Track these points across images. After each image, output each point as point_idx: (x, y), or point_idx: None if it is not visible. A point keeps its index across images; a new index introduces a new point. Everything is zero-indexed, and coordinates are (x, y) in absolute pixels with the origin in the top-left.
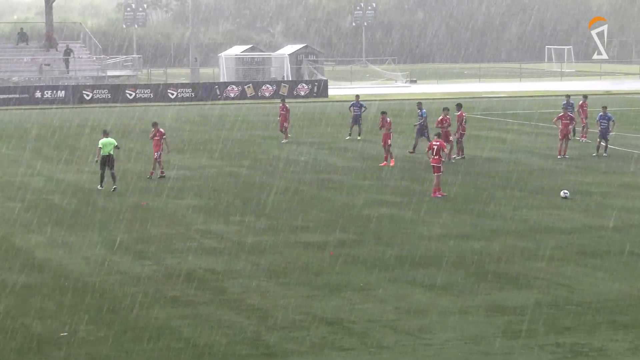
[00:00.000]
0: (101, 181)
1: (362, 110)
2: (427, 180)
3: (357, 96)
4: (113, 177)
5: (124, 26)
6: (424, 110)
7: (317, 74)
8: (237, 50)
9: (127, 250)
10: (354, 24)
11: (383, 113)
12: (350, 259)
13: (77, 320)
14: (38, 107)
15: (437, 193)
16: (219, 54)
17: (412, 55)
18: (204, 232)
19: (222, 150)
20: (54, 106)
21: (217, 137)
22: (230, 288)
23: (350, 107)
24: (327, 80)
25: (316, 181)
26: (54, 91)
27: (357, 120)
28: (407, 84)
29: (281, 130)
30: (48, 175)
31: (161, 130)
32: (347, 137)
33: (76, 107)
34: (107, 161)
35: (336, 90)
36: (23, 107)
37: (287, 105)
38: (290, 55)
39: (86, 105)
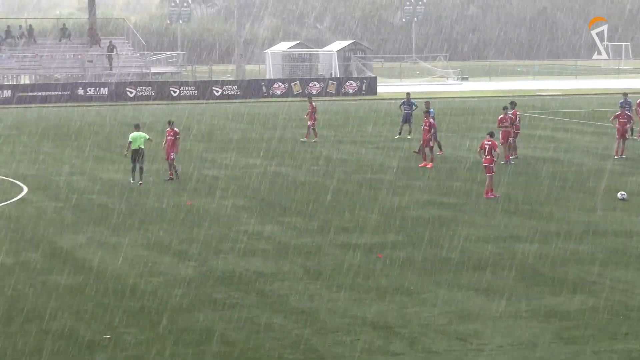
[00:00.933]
0: (132, 174)
1: (413, 109)
2: (479, 181)
3: (408, 94)
4: (141, 171)
5: (168, 22)
6: (432, 110)
7: (366, 71)
8: (283, 46)
9: (171, 251)
10: (403, 20)
11: (426, 113)
12: (400, 262)
13: (120, 322)
14: (80, 104)
15: (489, 194)
16: (265, 50)
17: (464, 51)
18: (249, 233)
19: (268, 149)
20: (97, 103)
21: (262, 135)
22: (276, 290)
23: (400, 105)
24: (376, 77)
25: (364, 181)
26: (97, 88)
27: (407, 118)
28: (458, 82)
29: (311, 129)
30: (91, 174)
31: (176, 129)
32: (397, 136)
33: (119, 105)
34: (137, 155)
35: (385, 87)
36: (65, 104)
37: (314, 104)
38: (338, 51)
39: (129, 103)
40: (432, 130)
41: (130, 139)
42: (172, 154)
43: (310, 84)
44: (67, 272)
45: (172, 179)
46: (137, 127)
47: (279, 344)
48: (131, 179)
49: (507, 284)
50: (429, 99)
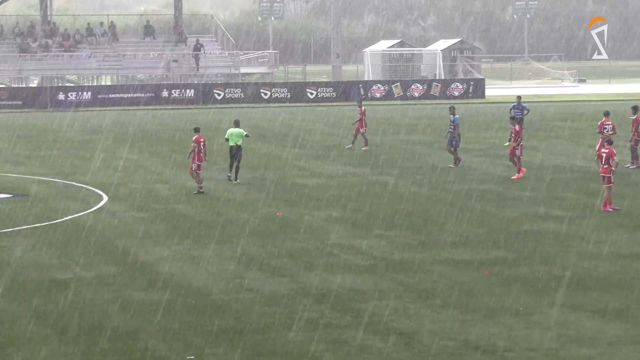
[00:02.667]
0: (230, 169)
1: (525, 113)
2: (596, 192)
3: (519, 97)
4: (237, 170)
5: (259, 19)
6: (457, 116)
7: (473, 72)
8: (383, 45)
9: (260, 266)
10: (515, 17)
11: (513, 119)
12: (508, 280)
13: (205, 342)
14: (164, 107)
15: (607, 207)
16: (364, 50)
17: (581, 51)
18: (345, 247)
19: (366, 156)
20: (183, 106)
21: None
22: (374, 309)
23: (510, 109)
24: (484, 79)
25: (470, 192)
26: (183, 90)
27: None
28: (575, 84)
29: (356, 136)
30: (175, 183)
31: (201, 138)
32: (507, 144)
33: (206, 108)
34: (234, 152)
35: (494, 90)
36: (149, 107)
37: (363, 108)
38: (443, 51)
39: (217, 106)
40: (453, 141)
41: (226, 136)
42: (193, 164)
43: (413, 86)
44: (148, 287)
45: (201, 192)
46: (236, 124)
47: None
48: (229, 176)
49: (627, 306)
50: (545, 102)
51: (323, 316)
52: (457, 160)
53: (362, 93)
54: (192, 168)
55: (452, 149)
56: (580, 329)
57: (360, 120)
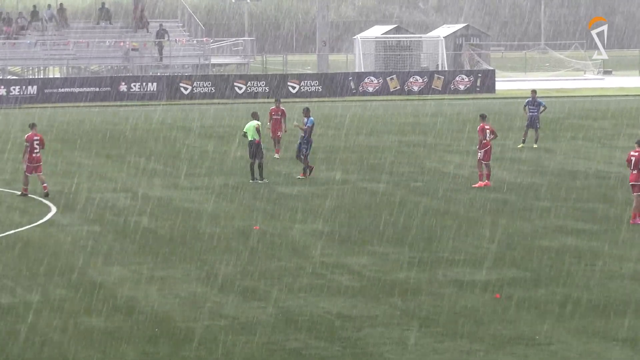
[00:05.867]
0: (252, 174)
1: (541, 110)
2: (624, 202)
3: (534, 92)
4: (260, 168)
5: (233, 1)
6: (311, 118)
7: (481, 63)
8: (377, 31)
9: (235, 288)
10: None
11: (482, 117)
12: (522, 304)
13: None
14: (123, 103)
15: (637, 219)
16: (355, 37)
17: (606, 39)
18: (333, 265)
19: (357, 160)
20: (144, 102)
21: (350, 143)
22: (367, 339)
23: (524, 105)
24: (494, 70)
25: (478, 201)
26: (144, 83)
27: (533, 122)
28: (599, 76)
29: (274, 139)
30: (134, 191)
31: (36, 135)
32: (520, 145)
33: (171, 104)
34: (254, 149)
35: (506, 83)
36: (105, 103)
37: (282, 108)
38: (446, 37)
39: (184, 101)
40: (304, 147)
41: (245, 129)
42: (26, 165)
43: (411, 79)
44: (105, 312)
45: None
46: (254, 115)
47: None
48: (251, 178)
49: None
50: (564, 97)
51: (307, 346)
52: (307, 170)
53: (353, 87)
54: (26, 170)
55: (302, 157)
56: None
57: (277, 120)
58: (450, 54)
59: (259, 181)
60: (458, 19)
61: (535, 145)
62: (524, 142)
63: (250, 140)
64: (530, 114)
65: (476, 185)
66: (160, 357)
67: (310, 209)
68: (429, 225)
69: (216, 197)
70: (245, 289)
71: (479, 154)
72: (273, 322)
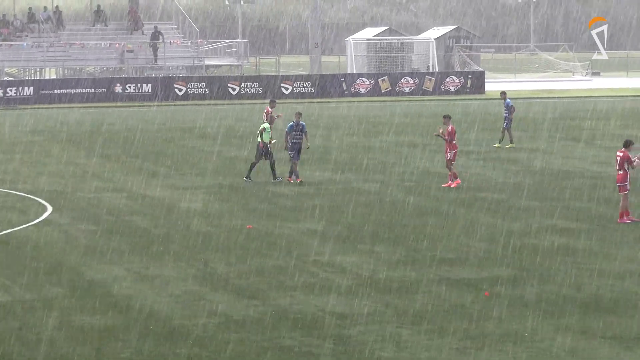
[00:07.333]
0: (248, 172)
1: (512, 111)
2: (613, 202)
3: (503, 93)
4: (272, 168)
5: (227, 3)
6: (301, 123)
7: (472, 64)
8: (369, 33)
9: (228, 287)
10: (519, 0)
11: (446, 117)
12: (512, 301)
13: None
14: (118, 104)
15: (624, 218)
16: (346, 39)
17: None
18: (325, 264)
19: (349, 160)
20: (139, 103)
21: (342, 144)
22: (359, 336)
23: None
24: (484, 71)
25: (468, 201)
26: (139, 85)
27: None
28: (587, 77)
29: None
30: (130, 191)
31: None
32: (496, 144)
33: (166, 105)
34: (263, 151)
35: (496, 84)
36: (100, 104)
37: (270, 109)
38: (437, 39)
39: (178, 103)
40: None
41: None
42: None
43: (402, 80)
44: (100, 311)
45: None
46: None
47: None
48: (245, 176)
49: None
50: (553, 98)
51: (300, 344)
52: (292, 173)
53: (345, 88)
54: None
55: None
56: (595, 358)
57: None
58: (441, 56)
59: (272, 180)
60: (449, 21)
61: (507, 146)
62: (500, 141)
63: (264, 142)
64: (504, 114)
65: (446, 185)
66: (155, 355)
67: (303, 208)
68: (421, 224)
69: (210, 197)
70: (239, 287)
71: (449, 154)
72: (267, 320)
